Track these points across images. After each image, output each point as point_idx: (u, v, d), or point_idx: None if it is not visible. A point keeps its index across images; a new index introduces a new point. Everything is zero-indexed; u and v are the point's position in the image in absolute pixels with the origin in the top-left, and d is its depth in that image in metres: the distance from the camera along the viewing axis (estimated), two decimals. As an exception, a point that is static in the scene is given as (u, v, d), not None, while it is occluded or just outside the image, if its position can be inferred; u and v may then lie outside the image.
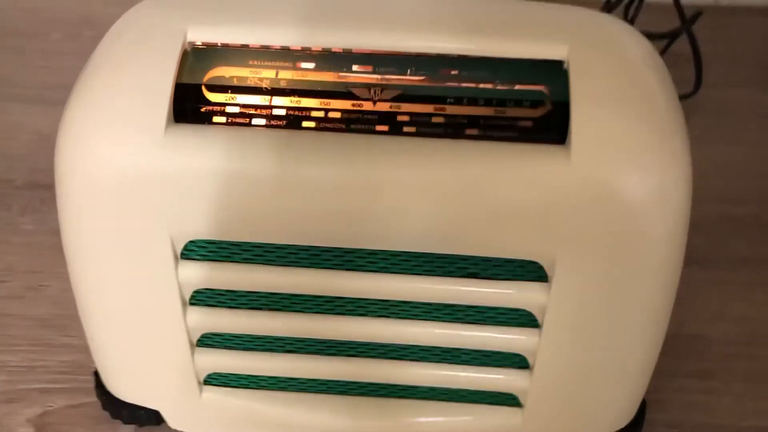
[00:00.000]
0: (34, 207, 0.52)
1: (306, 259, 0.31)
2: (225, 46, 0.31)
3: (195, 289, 0.32)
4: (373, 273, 0.31)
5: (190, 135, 0.29)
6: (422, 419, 0.35)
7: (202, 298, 0.33)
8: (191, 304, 0.33)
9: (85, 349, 0.38)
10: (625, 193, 0.28)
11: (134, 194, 0.29)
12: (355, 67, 0.30)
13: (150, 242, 0.30)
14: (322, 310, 0.33)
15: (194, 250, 0.31)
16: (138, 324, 0.34)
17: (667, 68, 0.32)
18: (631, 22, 0.60)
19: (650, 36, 0.58)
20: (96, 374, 0.39)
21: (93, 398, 0.40)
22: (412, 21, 0.31)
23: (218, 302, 0.33)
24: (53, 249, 0.38)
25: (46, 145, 0.37)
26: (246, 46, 0.31)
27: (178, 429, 0.38)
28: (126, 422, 0.39)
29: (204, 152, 0.29)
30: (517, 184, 0.28)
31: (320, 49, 0.31)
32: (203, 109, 0.30)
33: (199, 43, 0.31)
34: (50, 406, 0.41)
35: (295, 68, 0.30)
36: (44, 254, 0.48)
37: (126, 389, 0.37)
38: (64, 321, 0.45)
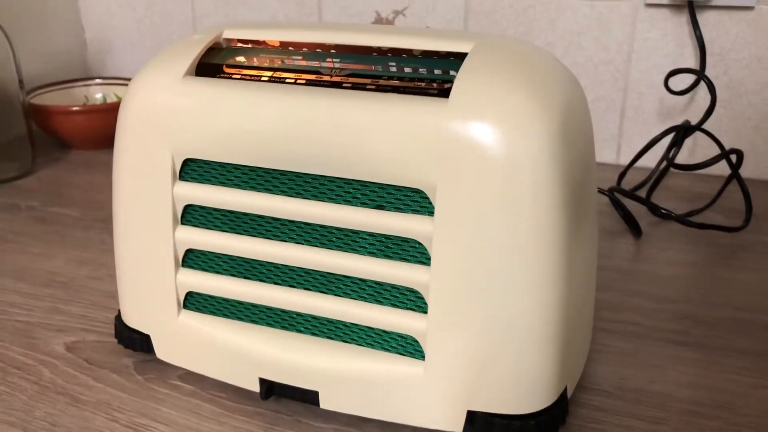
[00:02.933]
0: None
1: (262, 184, 0.41)
2: (249, 41, 0.44)
3: (185, 204, 0.42)
4: (312, 200, 0.39)
5: (196, 81, 0.41)
6: (344, 363, 0.40)
7: (190, 218, 0.43)
8: (182, 223, 0.43)
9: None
10: (489, 136, 0.35)
11: (155, 121, 0.42)
12: (327, 59, 0.42)
13: (158, 160, 0.42)
14: (272, 236, 0.41)
15: (188, 173, 0.42)
16: (140, 241, 0.44)
17: (573, 75, 0.39)
18: (672, 160, 0.65)
19: (695, 167, 0.63)
20: (120, 311, 0.49)
21: (115, 340, 0.50)
22: (373, 30, 0.42)
23: (201, 224, 0.43)
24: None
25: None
26: (264, 42, 0.44)
27: (161, 358, 0.46)
28: (126, 346, 0.47)
29: (201, 91, 0.41)
30: (406, 121, 0.36)
31: (307, 48, 0.43)
32: (217, 76, 0.43)
33: (231, 37, 0.44)
34: (83, 339, 0.51)
35: (289, 57, 0.43)
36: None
37: (129, 313, 0.47)
38: (124, 298, 0.56)
